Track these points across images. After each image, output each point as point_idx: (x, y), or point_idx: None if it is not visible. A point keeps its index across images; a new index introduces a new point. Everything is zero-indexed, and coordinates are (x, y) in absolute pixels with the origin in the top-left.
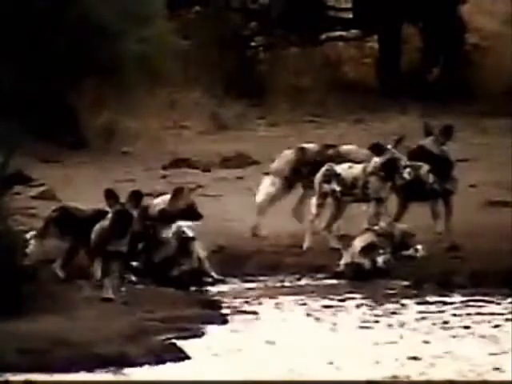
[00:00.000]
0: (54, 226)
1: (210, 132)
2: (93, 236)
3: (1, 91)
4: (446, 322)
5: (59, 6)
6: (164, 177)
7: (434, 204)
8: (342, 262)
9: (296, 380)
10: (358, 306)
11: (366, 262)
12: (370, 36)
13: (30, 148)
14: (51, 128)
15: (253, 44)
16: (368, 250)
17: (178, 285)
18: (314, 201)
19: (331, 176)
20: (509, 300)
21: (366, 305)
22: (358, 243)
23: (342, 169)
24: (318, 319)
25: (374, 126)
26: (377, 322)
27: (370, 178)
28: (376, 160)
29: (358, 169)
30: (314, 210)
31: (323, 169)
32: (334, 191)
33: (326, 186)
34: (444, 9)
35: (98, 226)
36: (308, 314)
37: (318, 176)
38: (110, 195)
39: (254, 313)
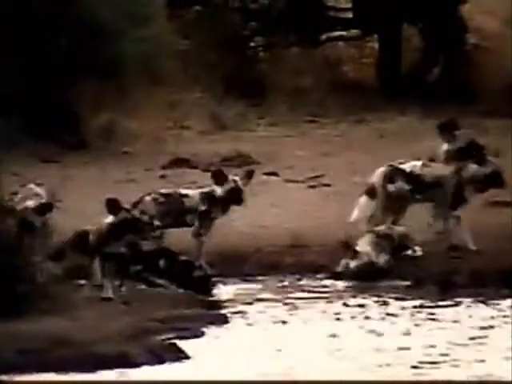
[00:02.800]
0: (70, 251)
1: (209, 132)
2: (91, 237)
3: (1, 91)
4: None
5: (59, 7)
6: (164, 177)
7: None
8: (344, 262)
9: (296, 380)
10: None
11: (368, 263)
12: (370, 36)
13: (30, 148)
14: (51, 128)
15: (253, 44)
16: (370, 251)
17: (199, 288)
18: (362, 201)
19: (396, 175)
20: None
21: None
22: (360, 245)
23: (412, 166)
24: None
25: (374, 126)
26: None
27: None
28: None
29: (445, 170)
30: (367, 211)
31: (383, 169)
32: (401, 190)
33: (391, 186)
34: (444, 9)
35: (96, 228)
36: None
37: (378, 177)
38: (112, 205)
39: (254, 313)
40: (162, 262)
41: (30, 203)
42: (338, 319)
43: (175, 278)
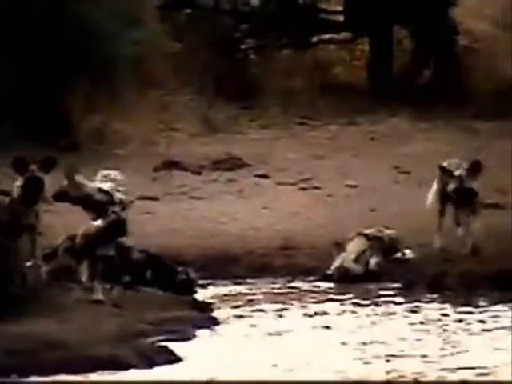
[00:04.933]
0: (62, 254)
1: (201, 134)
2: (79, 240)
3: None
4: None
5: (52, 9)
6: (155, 179)
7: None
8: (334, 265)
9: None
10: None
11: (358, 266)
12: (361, 39)
13: (21, 150)
14: (43, 130)
15: (243, 46)
16: (361, 253)
17: (182, 291)
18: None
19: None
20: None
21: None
22: (351, 247)
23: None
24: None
25: (365, 128)
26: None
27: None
28: None
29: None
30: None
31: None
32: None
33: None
34: (435, 11)
35: (84, 230)
36: (304, 315)
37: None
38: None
39: (245, 315)
40: (148, 273)
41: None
42: (327, 321)
43: (161, 284)
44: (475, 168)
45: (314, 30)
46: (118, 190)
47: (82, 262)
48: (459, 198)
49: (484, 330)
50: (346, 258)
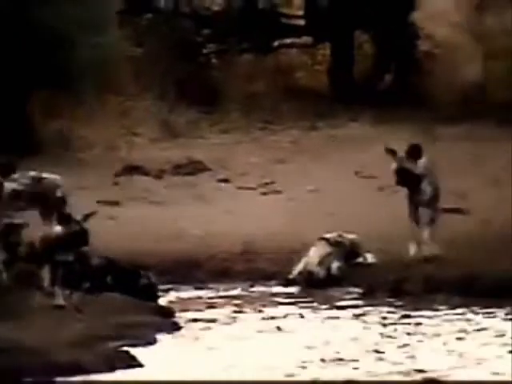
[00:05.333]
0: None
1: (162, 139)
2: (38, 245)
3: None
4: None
5: (12, 15)
6: (116, 184)
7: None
8: (297, 269)
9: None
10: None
11: (321, 270)
12: (323, 43)
13: None
14: (4, 135)
15: (205, 51)
16: (323, 258)
17: (145, 296)
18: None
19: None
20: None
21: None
22: (313, 252)
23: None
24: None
25: (326, 132)
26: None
27: None
28: None
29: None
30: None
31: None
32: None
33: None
34: (396, 16)
35: (43, 236)
36: (263, 319)
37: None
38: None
39: (207, 320)
40: (109, 278)
41: None
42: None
43: (122, 289)
44: (414, 151)
45: (275, 35)
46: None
47: (43, 266)
48: (400, 180)
49: (437, 335)
50: (308, 263)
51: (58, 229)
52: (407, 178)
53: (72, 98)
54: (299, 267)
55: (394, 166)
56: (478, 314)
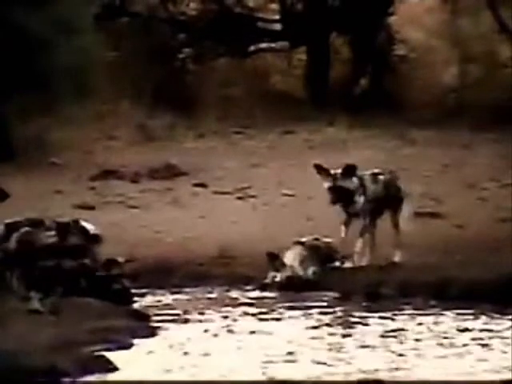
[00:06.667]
0: None
1: (138, 143)
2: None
3: None
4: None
5: None
6: (92, 188)
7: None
8: (272, 274)
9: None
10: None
11: (296, 274)
12: (299, 47)
13: None
14: None
15: (181, 55)
16: (298, 262)
17: (119, 300)
18: None
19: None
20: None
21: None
22: (289, 256)
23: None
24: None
25: (303, 137)
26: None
27: None
28: None
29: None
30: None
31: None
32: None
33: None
34: (372, 20)
35: (18, 237)
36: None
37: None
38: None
39: (183, 323)
40: (82, 281)
41: None
42: (265, 329)
43: (95, 293)
44: (349, 170)
45: (251, 39)
46: None
47: (15, 271)
48: (334, 197)
49: (417, 340)
50: (287, 267)
51: (50, 237)
52: (341, 194)
53: (48, 102)
54: (274, 272)
55: (327, 184)
56: (449, 317)
